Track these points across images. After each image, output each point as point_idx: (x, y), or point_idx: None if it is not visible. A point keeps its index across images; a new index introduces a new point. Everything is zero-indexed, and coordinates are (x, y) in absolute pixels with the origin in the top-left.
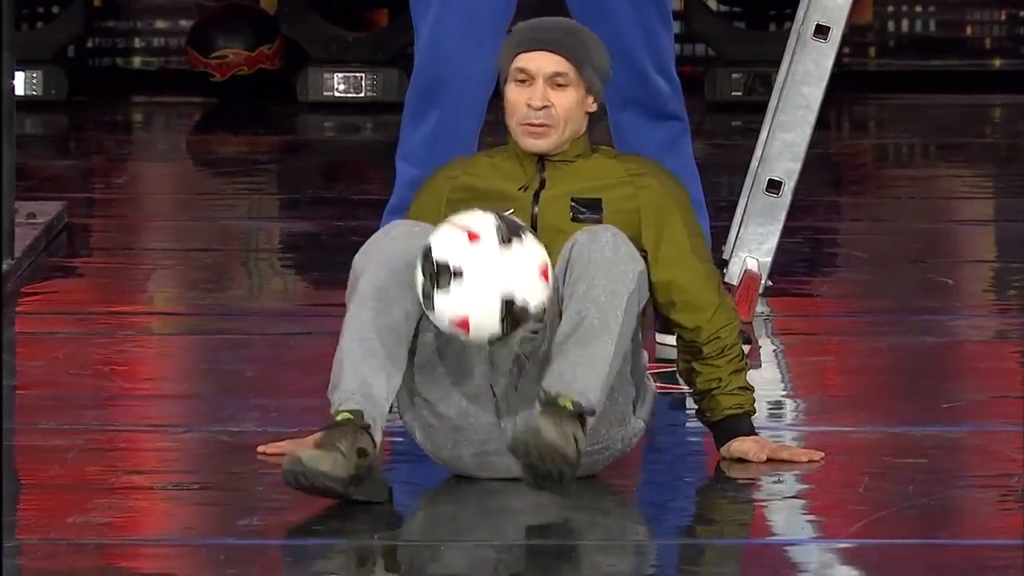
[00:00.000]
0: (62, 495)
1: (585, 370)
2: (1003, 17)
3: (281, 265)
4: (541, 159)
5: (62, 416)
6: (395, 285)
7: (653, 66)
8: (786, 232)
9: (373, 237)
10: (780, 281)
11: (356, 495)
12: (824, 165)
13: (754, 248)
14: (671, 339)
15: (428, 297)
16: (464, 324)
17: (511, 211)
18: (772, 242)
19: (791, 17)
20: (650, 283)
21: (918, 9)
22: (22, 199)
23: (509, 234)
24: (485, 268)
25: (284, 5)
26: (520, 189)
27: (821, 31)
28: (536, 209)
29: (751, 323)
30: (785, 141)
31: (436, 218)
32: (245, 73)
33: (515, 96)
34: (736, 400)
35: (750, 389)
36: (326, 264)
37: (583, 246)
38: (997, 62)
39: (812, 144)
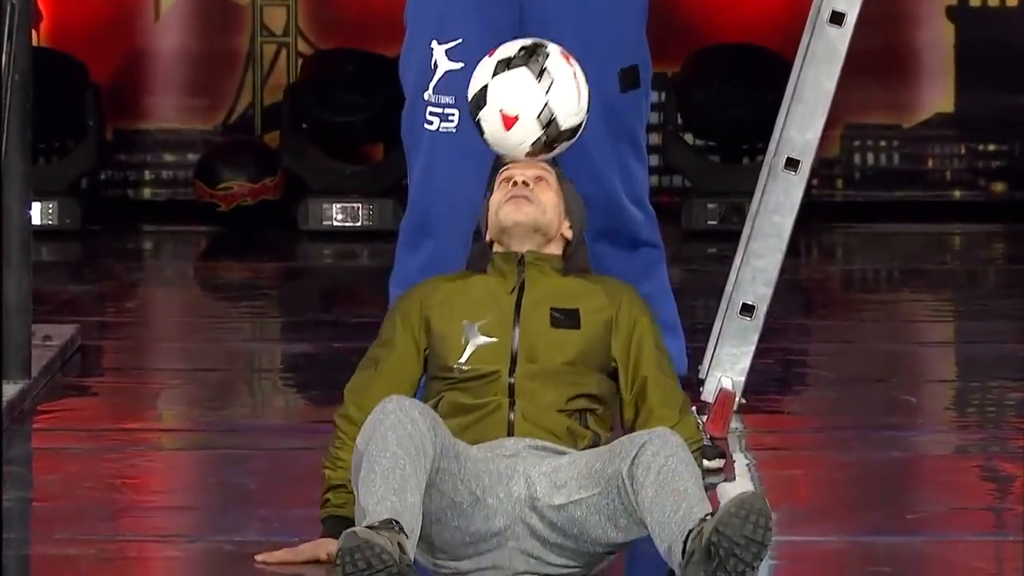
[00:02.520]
0: None
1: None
2: (963, 151)
3: (282, 384)
4: (522, 260)
5: (76, 527)
6: (404, 454)
7: (628, 198)
8: (758, 353)
9: (369, 420)
10: (753, 399)
11: None
12: (794, 290)
13: (728, 368)
14: None
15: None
16: (511, 120)
17: (487, 321)
18: (745, 362)
19: (763, 151)
20: (618, 394)
21: (883, 143)
22: (39, 322)
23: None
24: (553, 79)
25: (285, 139)
26: (509, 292)
27: (791, 164)
28: (519, 313)
29: (726, 438)
30: (757, 267)
31: (421, 321)
32: (249, 203)
33: (498, 195)
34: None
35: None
36: (325, 383)
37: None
38: (957, 193)
39: (783, 270)
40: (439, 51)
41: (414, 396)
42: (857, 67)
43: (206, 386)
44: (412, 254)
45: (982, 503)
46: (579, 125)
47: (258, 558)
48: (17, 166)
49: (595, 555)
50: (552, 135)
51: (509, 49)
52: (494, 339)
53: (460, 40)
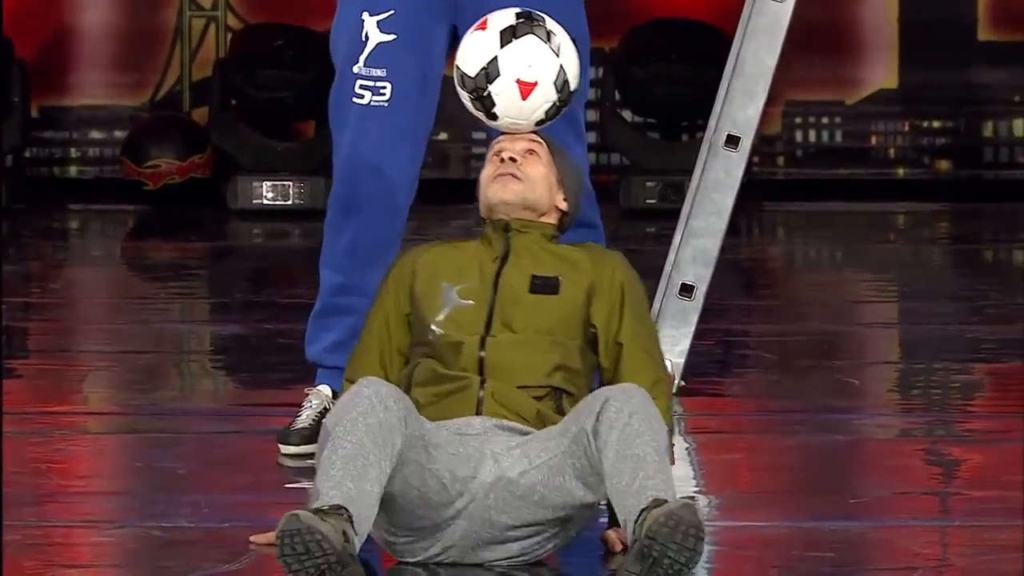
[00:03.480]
0: None
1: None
2: (906, 128)
3: (212, 366)
4: (508, 228)
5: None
6: (370, 442)
7: None
8: (698, 334)
9: (341, 400)
10: (693, 381)
11: None
12: (735, 270)
13: (668, 349)
14: None
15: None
16: (529, 88)
17: (466, 285)
18: (685, 344)
19: (703, 128)
20: (598, 357)
21: (824, 120)
22: None
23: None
24: (560, 41)
25: (214, 116)
26: (493, 259)
27: (732, 141)
28: (500, 279)
29: None
30: (697, 247)
31: (407, 284)
32: (177, 181)
33: (488, 170)
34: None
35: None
36: (255, 365)
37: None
38: (901, 171)
39: (723, 250)
40: (370, 23)
41: (404, 363)
42: (799, 42)
43: (134, 368)
44: (339, 233)
45: (926, 487)
46: (577, 89)
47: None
48: None
49: (565, 519)
50: (563, 99)
51: (505, 18)
52: (471, 302)
53: (392, 12)
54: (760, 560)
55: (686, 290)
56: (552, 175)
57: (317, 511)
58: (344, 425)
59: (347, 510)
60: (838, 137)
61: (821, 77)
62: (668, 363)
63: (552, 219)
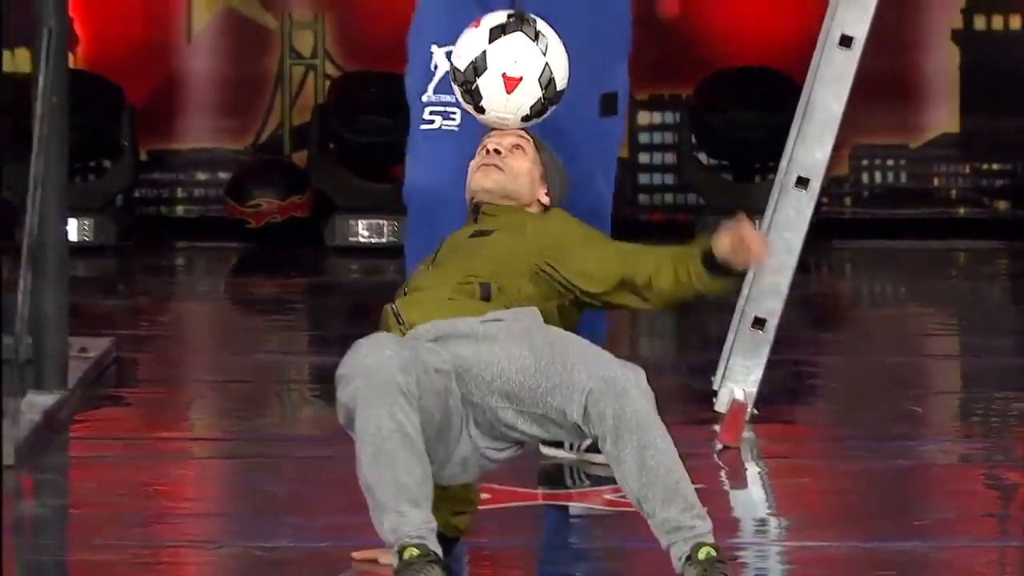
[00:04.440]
0: None
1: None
2: (967, 170)
3: (310, 395)
4: (477, 210)
5: (111, 533)
6: (405, 456)
7: (591, 216)
8: (769, 365)
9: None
10: (765, 409)
11: None
12: (804, 304)
13: (741, 379)
14: (600, 458)
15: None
16: (514, 82)
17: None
18: (757, 374)
19: (774, 170)
20: (586, 301)
21: (890, 162)
22: (75, 335)
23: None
24: (548, 41)
25: (313, 159)
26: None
27: (802, 182)
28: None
29: (738, 447)
30: (769, 282)
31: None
32: (278, 220)
33: (475, 161)
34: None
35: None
36: None
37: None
38: (962, 211)
39: (793, 285)
40: (439, 53)
41: None
42: (865, 89)
43: (236, 397)
44: (419, 255)
45: (985, 510)
46: (564, 90)
47: (354, 555)
48: (55, 184)
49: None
50: (549, 96)
51: (498, 17)
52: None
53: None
54: None
55: (758, 323)
56: (536, 170)
57: (408, 564)
58: (375, 443)
59: (435, 553)
60: (902, 179)
61: (886, 122)
62: (741, 393)
63: (533, 210)
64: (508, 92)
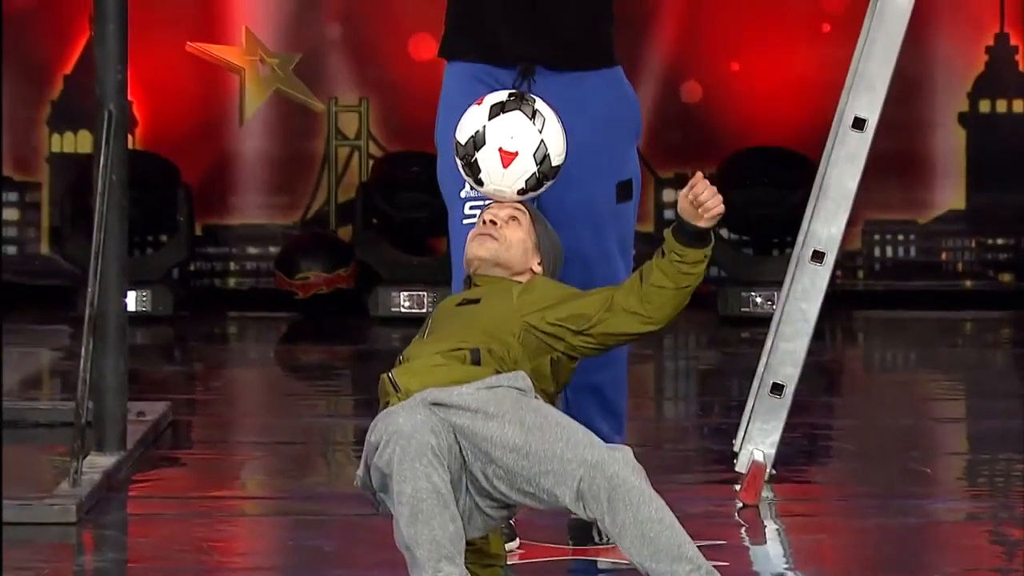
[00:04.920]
0: None
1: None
2: (973, 244)
3: (355, 456)
4: (469, 279)
5: None
6: (438, 512)
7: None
8: (787, 428)
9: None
10: (782, 470)
11: None
12: (820, 371)
13: (760, 442)
14: None
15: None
16: (510, 157)
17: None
18: (775, 436)
19: (792, 244)
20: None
21: (900, 237)
22: (134, 399)
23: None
24: (545, 119)
25: (358, 233)
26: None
27: (817, 256)
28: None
29: (757, 506)
30: (786, 350)
31: None
32: (324, 292)
33: (473, 230)
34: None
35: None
36: None
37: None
38: (968, 283)
39: (809, 353)
40: None
41: None
42: (877, 168)
43: (285, 458)
44: None
45: (991, 565)
46: (560, 166)
47: None
48: (114, 257)
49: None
50: (544, 172)
51: (499, 96)
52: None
53: None
54: None
55: (777, 389)
56: (530, 240)
57: None
58: (412, 503)
59: None
60: (912, 252)
61: (897, 199)
62: (760, 454)
63: (524, 279)
64: (504, 166)
